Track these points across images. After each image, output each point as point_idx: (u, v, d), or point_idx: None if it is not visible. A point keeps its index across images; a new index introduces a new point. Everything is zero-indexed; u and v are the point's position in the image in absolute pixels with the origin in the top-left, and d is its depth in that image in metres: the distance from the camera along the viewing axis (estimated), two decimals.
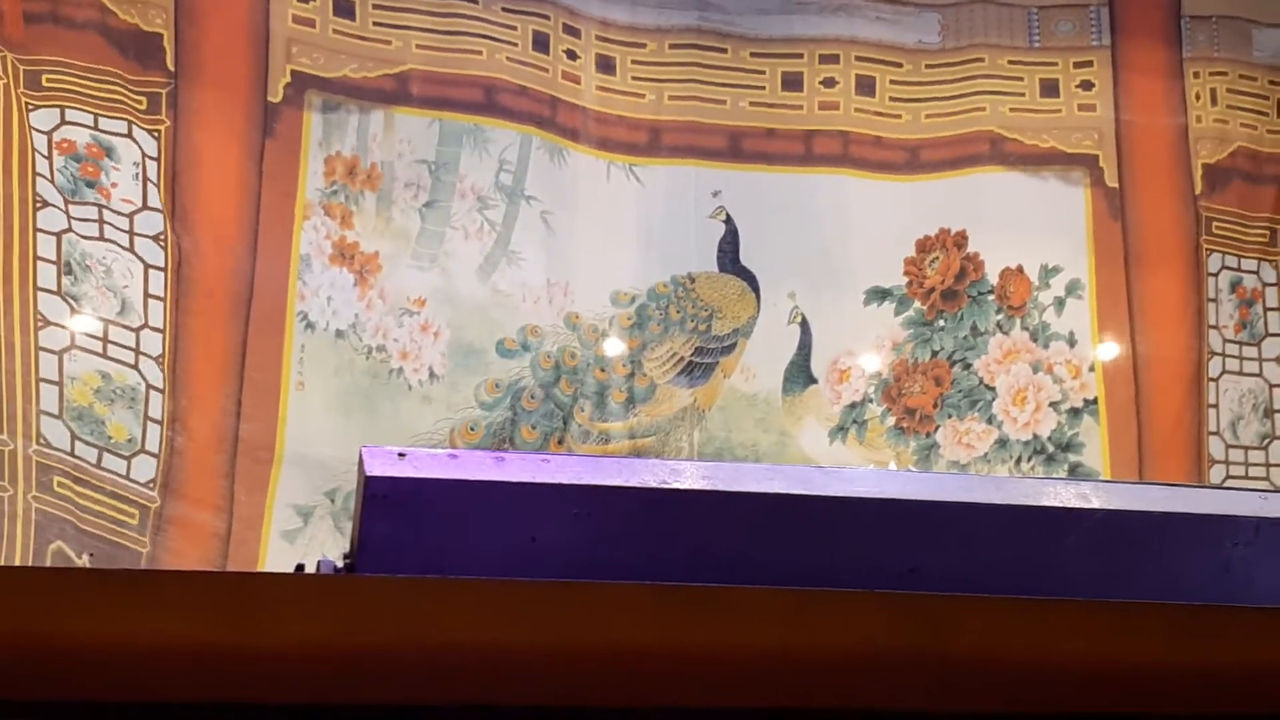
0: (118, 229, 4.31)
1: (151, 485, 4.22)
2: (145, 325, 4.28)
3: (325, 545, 4.32)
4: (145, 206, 4.35)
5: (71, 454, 4.14)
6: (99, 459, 4.17)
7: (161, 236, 4.35)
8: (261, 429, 4.39)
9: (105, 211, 4.30)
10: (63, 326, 4.19)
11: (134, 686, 1.40)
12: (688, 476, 1.73)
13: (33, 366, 4.12)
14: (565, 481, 1.67)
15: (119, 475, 4.18)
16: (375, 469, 1.60)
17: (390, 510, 1.60)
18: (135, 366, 4.24)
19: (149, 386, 4.25)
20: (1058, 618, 1.62)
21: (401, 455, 1.61)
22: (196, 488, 4.29)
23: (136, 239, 4.32)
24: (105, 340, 4.23)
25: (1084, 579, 1.73)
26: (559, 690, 1.48)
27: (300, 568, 1.67)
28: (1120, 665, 1.59)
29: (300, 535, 4.42)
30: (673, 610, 1.56)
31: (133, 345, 4.25)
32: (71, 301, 4.22)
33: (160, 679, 1.41)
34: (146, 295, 4.30)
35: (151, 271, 4.32)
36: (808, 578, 1.64)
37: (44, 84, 4.31)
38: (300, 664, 1.42)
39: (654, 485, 1.70)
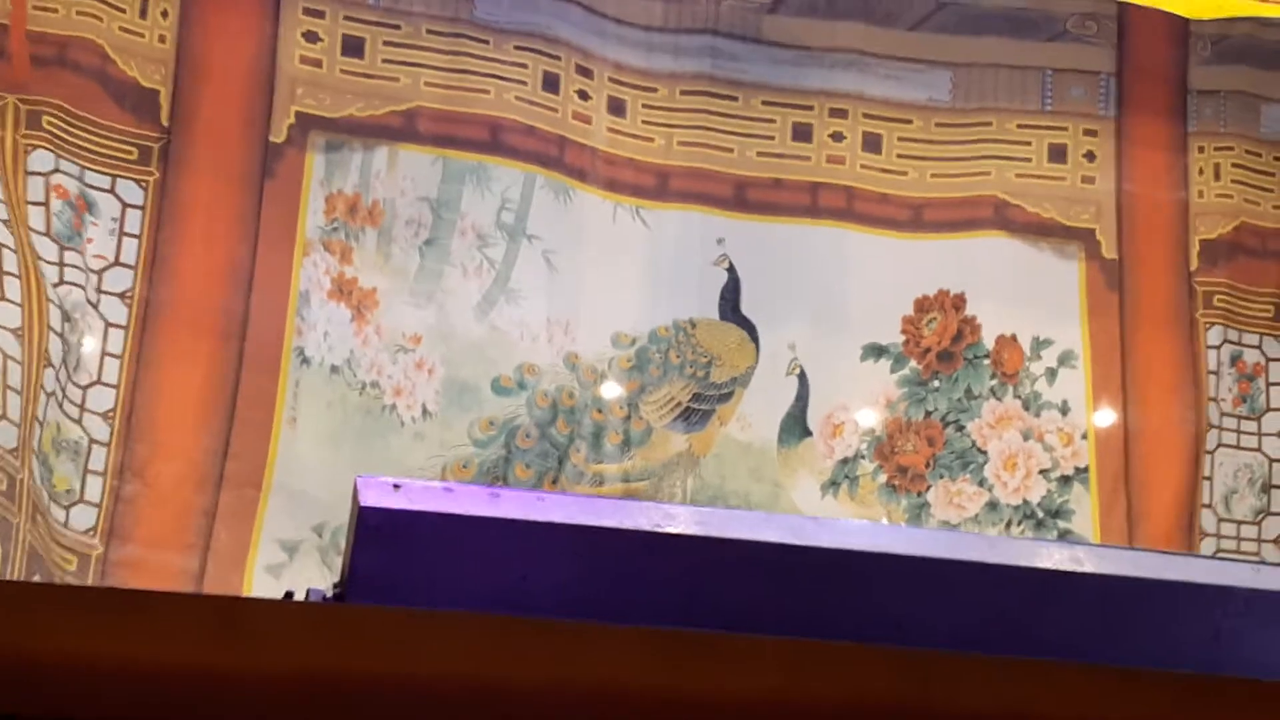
0: (87, 287, 4.35)
1: (91, 534, 4.25)
2: (97, 382, 4.32)
3: (311, 580, 4.28)
4: (117, 262, 4.40)
5: (39, 495, 4.18)
6: (47, 505, 4.21)
7: (128, 294, 4.38)
8: (249, 465, 4.39)
9: (76, 272, 4.35)
10: (54, 368, 4.24)
11: (117, 706, 1.40)
12: (681, 521, 1.72)
13: (34, 402, 4.17)
14: (559, 520, 1.66)
15: (59, 523, 4.22)
16: (369, 499, 1.59)
17: (382, 541, 1.59)
18: (79, 422, 4.28)
19: (92, 441, 4.28)
20: (1046, 679, 1.62)
21: (396, 487, 1.61)
22: (157, 531, 4.31)
23: (103, 296, 4.36)
24: (63, 395, 4.27)
25: (1074, 642, 1.73)
26: None
27: (289, 595, 1.67)
28: None
29: (285, 570, 4.42)
30: (661, 654, 1.55)
31: (79, 402, 4.29)
32: (65, 351, 4.26)
33: (145, 700, 1.41)
34: (104, 353, 4.33)
35: (111, 330, 4.35)
36: (798, 628, 1.64)
37: (44, 125, 4.35)
38: (285, 691, 1.41)
39: (647, 528, 1.70)
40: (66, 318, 4.28)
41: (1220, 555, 4.91)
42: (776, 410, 4.91)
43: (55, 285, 4.30)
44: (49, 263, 4.30)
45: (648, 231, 4.89)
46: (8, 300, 4.16)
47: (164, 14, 4.56)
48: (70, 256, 4.33)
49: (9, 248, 4.20)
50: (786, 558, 1.71)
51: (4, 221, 4.23)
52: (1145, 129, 5.14)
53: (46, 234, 4.31)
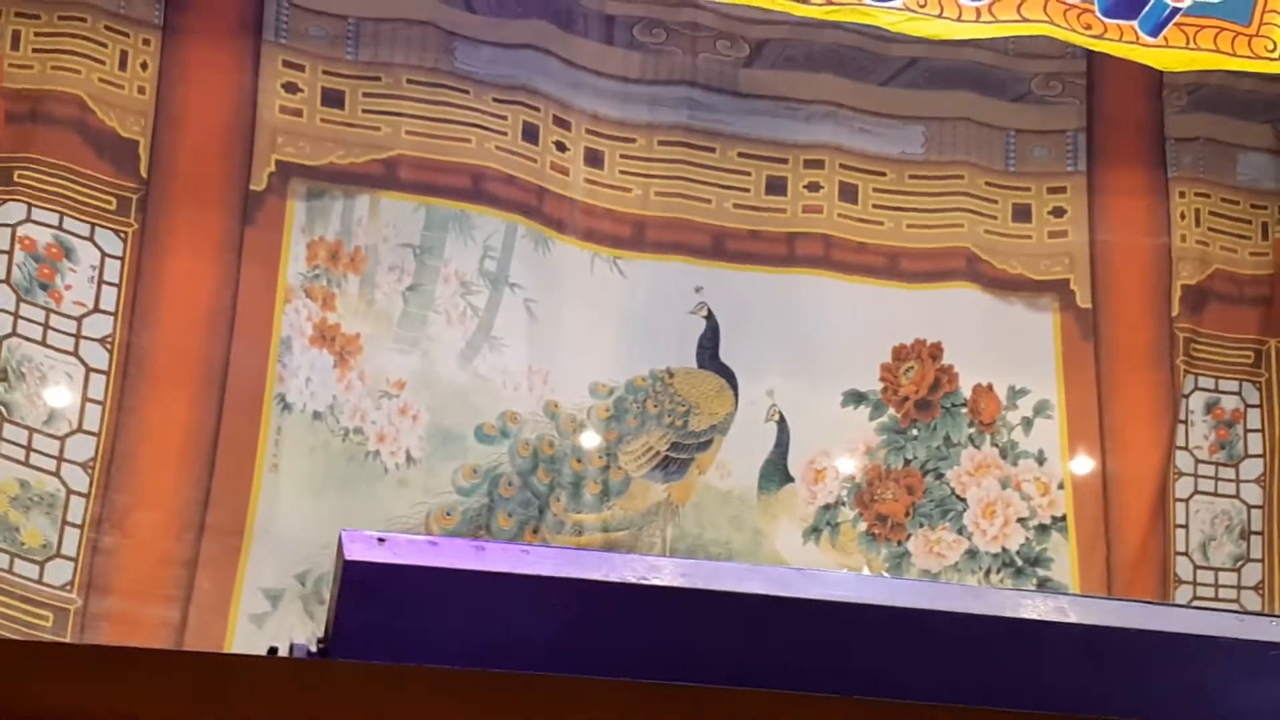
0: (63, 333, 4.35)
1: (69, 588, 4.22)
2: (78, 430, 4.31)
3: (294, 629, 4.28)
4: (97, 309, 4.39)
5: None
6: (10, 565, 4.18)
7: (109, 340, 4.38)
8: (230, 513, 4.37)
9: (53, 316, 4.34)
10: None
11: None
12: (666, 573, 1.72)
13: None
14: (545, 574, 1.66)
15: (30, 580, 4.19)
16: (354, 553, 1.59)
17: (367, 596, 1.59)
18: (56, 474, 4.26)
19: (70, 492, 4.27)
20: None
21: (381, 540, 1.60)
22: (138, 582, 4.28)
23: (82, 342, 4.36)
24: (29, 448, 4.26)
25: (1059, 692, 1.73)
26: None
27: (274, 651, 1.66)
28: None
29: (269, 619, 4.39)
30: (647, 708, 1.55)
31: (55, 453, 4.27)
32: (3, 409, 4.24)
33: None
34: (85, 399, 4.32)
35: (93, 375, 4.34)
36: (783, 679, 1.63)
37: (15, 179, 4.35)
38: None
39: (632, 581, 1.69)
40: (4, 376, 4.26)
41: (1198, 602, 4.92)
42: (756, 457, 4.91)
43: (4, 337, 4.28)
44: (4, 311, 4.29)
45: (625, 281, 4.90)
46: None
47: (143, 65, 4.57)
48: (28, 310, 4.32)
49: None
50: (772, 609, 1.71)
51: None
52: (1121, 178, 5.17)
53: (5, 282, 4.30)
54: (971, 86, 5.15)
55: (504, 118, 4.82)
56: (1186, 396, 5.08)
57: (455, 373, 4.71)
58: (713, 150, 5.02)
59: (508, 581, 1.63)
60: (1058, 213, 5.15)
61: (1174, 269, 5.13)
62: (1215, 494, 5.06)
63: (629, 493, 4.82)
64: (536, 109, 4.87)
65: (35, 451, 4.29)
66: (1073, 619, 1.75)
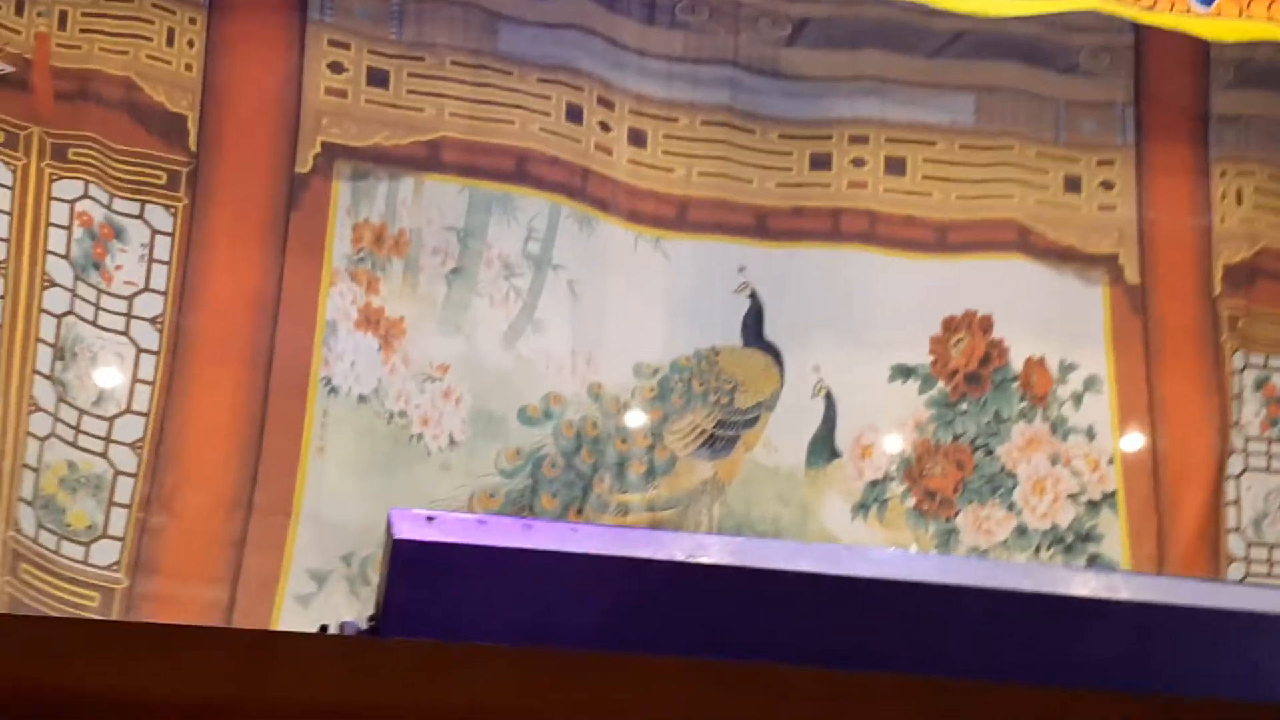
0: (114, 313, 4.37)
1: (115, 568, 4.25)
2: (126, 411, 4.33)
3: (340, 609, 4.30)
4: (147, 288, 4.41)
5: (35, 541, 4.18)
6: (58, 546, 4.21)
7: (159, 319, 4.40)
8: (278, 495, 4.40)
9: (104, 297, 4.36)
10: (49, 413, 4.24)
11: None
12: (714, 551, 1.72)
13: (20, 451, 4.17)
14: (592, 551, 1.66)
15: (76, 561, 4.21)
16: (403, 532, 1.59)
17: (416, 574, 1.59)
18: (104, 455, 4.29)
19: (117, 472, 4.29)
20: (1082, 707, 1.61)
21: (430, 519, 1.61)
22: (185, 562, 4.31)
23: (133, 322, 4.38)
24: (77, 430, 4.28)
25: (1110, 670, 1.71)
26: None
27: (324, 629, 1.66)
28: None
29: (315, 599, 4.41)
30: (695, 685, 1.55)
31: (103, 434, 4.29)
32: (60, 388, 4.27)
33: None
34: (135, 380, 4.34)
35: (144, 355, 4.37)
36: (832, 658, 1.63)
37: (70, 157, 4.38)
38: None
39: (680, 559, 1.69)
40: (61, 355, 4.29)
41: (1251, 579, 4.88)
42: (803, 433, 4.89)
43: (63, 315, 4.30)
44: (63, 288, 4.31)
45: (668, 262, 4.89)
46: None
47: (190, 43, 4.59)
48: (82, 289, 4.34)
49: None
50: (820, 587, 1.70)
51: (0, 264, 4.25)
52: (1165, 156, 5.13)
53: (65, 257, 4.33)
54: (1020, 58, 5.11)
55: (548, 98, 4.82)
56: (1237, 374, 5.04)
57: (498, 355, 4.72)
58: (753, 131, 5.01)
59: (555, 559, 1.64)
60: (1107, 185, 5.11)
61: (1215, 248, 5.09)
62: (1267, 470, 5.03)
63: (675, 472, 4.82)
64: (580, 89, 4.86)
65: (83, 433, 4.32)
66: (1125, 596, 1.74)
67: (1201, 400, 5.00)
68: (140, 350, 4.39)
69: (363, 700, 1.42)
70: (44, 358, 4.27)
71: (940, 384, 4.96)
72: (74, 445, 4.29)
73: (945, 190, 5.06)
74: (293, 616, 4.33)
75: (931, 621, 1.70)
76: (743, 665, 1.57)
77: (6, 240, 4.29)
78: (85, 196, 4.39)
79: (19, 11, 4.41)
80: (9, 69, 4.35)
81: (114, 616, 4.22)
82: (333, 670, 1.43)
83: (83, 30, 4.48)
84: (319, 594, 4.42)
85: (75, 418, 4.31)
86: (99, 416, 4.33)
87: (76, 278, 4.35)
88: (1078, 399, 4.99)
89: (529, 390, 4.73)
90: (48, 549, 4.23)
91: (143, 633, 1.55)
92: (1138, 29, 4.88)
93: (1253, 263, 5.10)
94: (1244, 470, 5.02)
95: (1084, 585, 1.73)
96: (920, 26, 5.03)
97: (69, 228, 4.36)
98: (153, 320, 4.42)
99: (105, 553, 4.29)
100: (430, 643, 1.48)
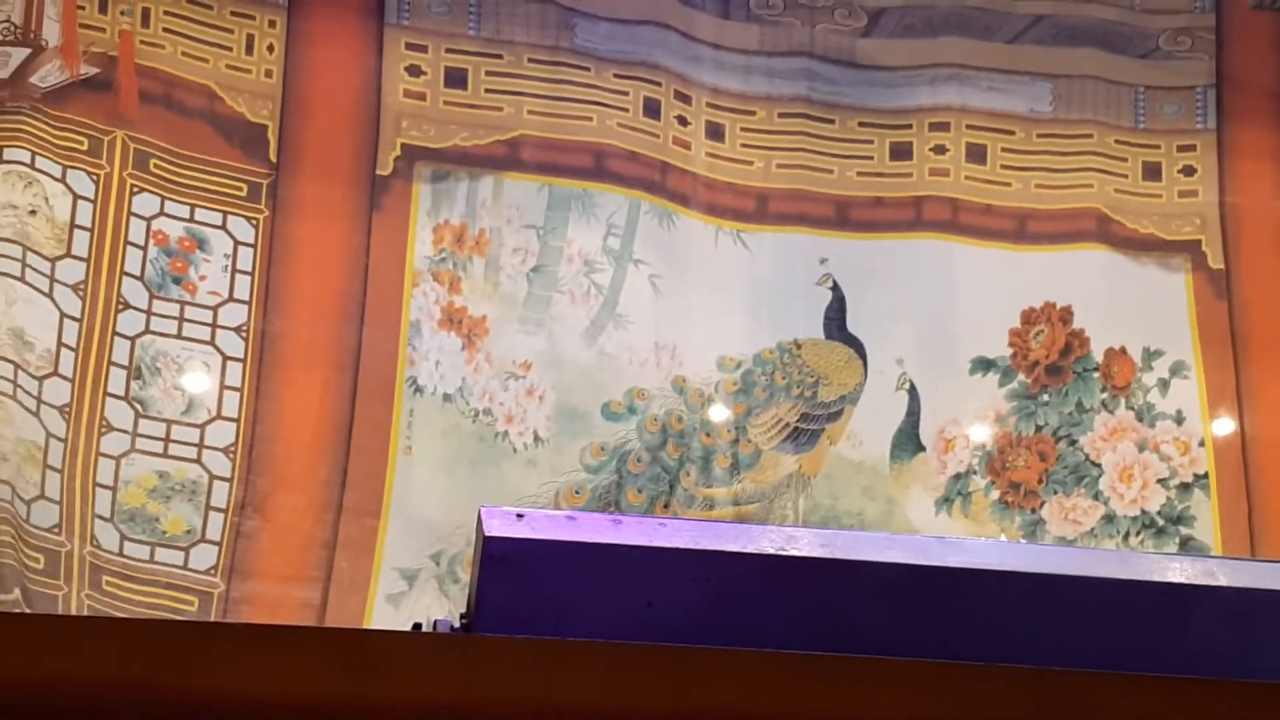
0: (199, 324, 4.42)
1: (213, 572, 4.29)
2: (217, 417, 4.37)
3: (431, 608, 4.33)
4: (231, 298, 4.46)
5: (120, 554, 4.24)
6: (151, 554, 4.26)
7: (244, 328, 4.44)
8: (368, 495, 4.43)
9: (187, 308, 4.41)
10: (124, 431, 4.30)
11: None
12: (804, 544, 1.71)
13: (92, 471, 4.22)
14: (682, 546, 1.66)
15: (175, 567, 4.27)
16: (494, 529, 1.60)
17: (507, 571, 1.60)
18: (198, 460, 4.33)
19: (213, 477, 4.34)
20: (1181, 695, 1.59)
21: (520, 516, 1.62)
22: (279, 564, 4.35)
23: (219, 331, 4.42)
24: (167, 440, 4.33)
25: (1210, 657, 1.70)
26: None
27: (418, 627, 1.68)
28: None
29: (405, 599, 4.44)
30: (787, 678, 1.54)
31: (196, 441, 4.34)
32: (137, 406, 4.32)
33: None
34: (223, 387, 4.39)
35: (230, 363, 4.41)
36: (925, 649, 1.62)
37: (151, 168, 4.43)
38: None
39: (771, 552, 1.69)
40: (139, 374, 4.34)
41: None
42: (887, 427, 4.87)
43: (138, 336, 4.36)
44: (137, 310, 4.37)
45: (749, 254, 4.89)
46: (59, 376, 4.23)
47: (269, 49, 4.63)
48: (161, 306, 4.40)
49: (73, 317, 4.27)
50: (912, 578, 1.69)
51: (77, 286, 4.31)
52: (1248, 138, 5.07)
53: (139, 279, 4.39)
54: (1098, 44, 5.06)
55: (625, 94, 4.83)
56: None
57: (581, 352, 4.73)
58: (832, 121, 4.99)
59: (645, 554, 1.64)
60: (1188, 171, 5.05)
61: None
62: None
63: (759, 465, 4.81)
64: (658, 84, 4.87)
65: (174, 442, 4.37)
66: (1223, 582, 1.72)
67: None
68: (227, 358, 4.44)
69: (457, 697, 1.42)
70: (116, 379, 4.32)
71: (1020, 376, 4.92)
72: (164, 456, 4.34)
73: (1024, 180, 5.02)
74: (384, 616, 4.37)
75: (1025, 611, 1.69)
76: (835, 658, 1.57)
77: (86, 260, 4.34)
78: (162, 214, 4.44)
79: (102, 9, 4.47)
80: (94, 70, 4.41)
81: (212, 620, 4.27)
82: (427, 668, 1.44)
83: (165, 29, 4.53)
84: (409, 593, 4.45)
85: (163, 429, 4.36)
86: (190, 424, 4.38)
87: (152, 297, 4.40)
88: (1164, 385, 4.93)
89: (612, 385, 4.74)
90: (138, 559, 4.28)
91: (241, 633, 1.57)
92: (1219, 10, 4.82)
93: None
94: None
95: (1180, 572, 1.71)
96: (999, 10, 5.00)
97: (144, 248, 4.41)
98: (237, 329, 4.47)
99: (203, 557, 4.34)
100: (523, 640, 1.49)
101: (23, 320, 4.23)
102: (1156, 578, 1.70)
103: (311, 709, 1.42)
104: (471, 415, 4.61)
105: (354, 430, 4.47)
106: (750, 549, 1.67)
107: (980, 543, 1.83)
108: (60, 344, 4.28)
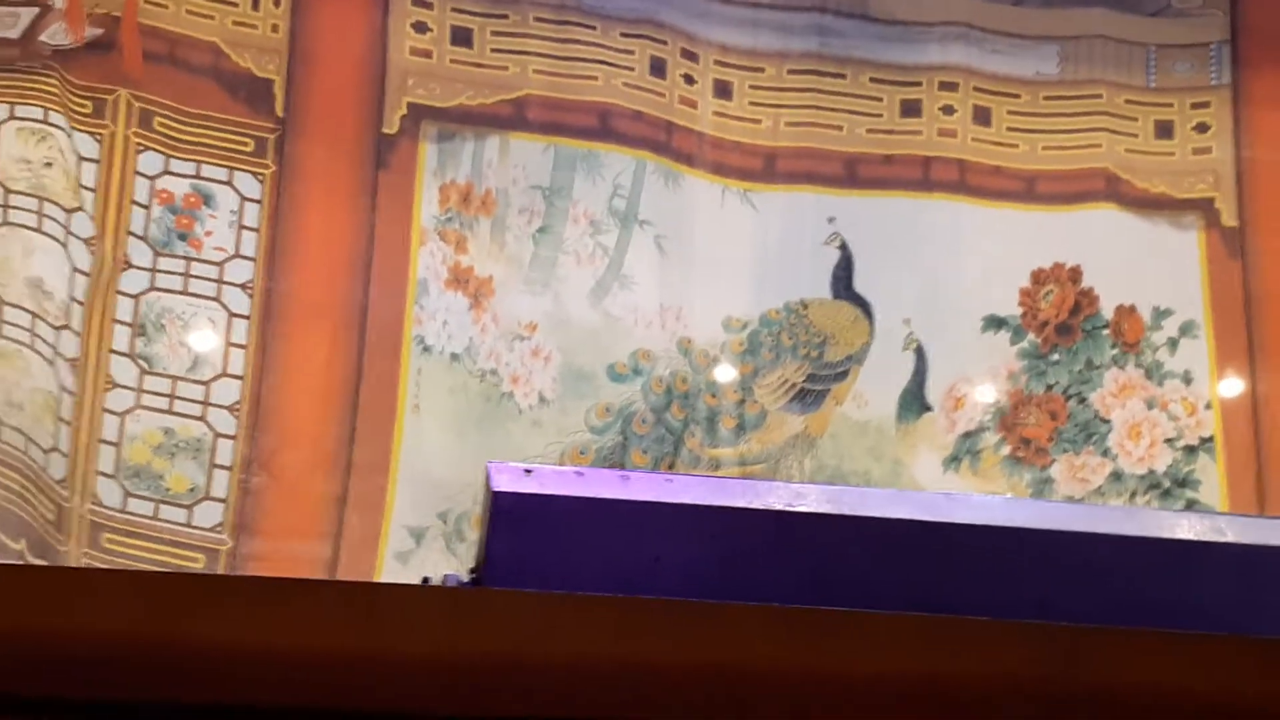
0: (205, 279, 4.41)
1: (220, 529, 4.30)
2: (222, 374, 4.38)
3: (438, 566, 4.34)
4: (237, 254, 4.46)
5: (123, 510, 4.24)
6: (155, 511, 4.26)
7: (250, 285, 4.44)
8: (376, 452, 4.44)
9: (193, 264, 4.41)
10: (129, 388, 4.30)
11: (260, 692, 1.42)
12: (812, 499, 1.72)
13: (96, 427, 4.23)
14: (690, 501, 1.66)
15: (179, 524, 4.27)
16: (502, 485, 1.60)
17: (516, 525, 1.60)
18: (202, 418, 4.34)
19: (217, 435, 4.34)
20: (1189, 651, 1.59)
21: (528, 471, 1.62)
22: (287, 521, 4.36)
23: (224, 288, 4.42)
24: (172, 396, 4.33)
25: (1217, 613, 1.70)
26: (681, 708, 1.48)
27: (426, 580, 1.68)
28: (1255, 699, 1.55)
29: (413, 556, 4.46)
30: (795, 633, 1.55)
31: (201, 398, 4.34)
32: (142, 363, 4.32)
33: (285, 686, 1.43)
34: (228, 344, 4.39)
35: (235, 320, 4.41)
36: (933, 605, 1.62)
37: (155, 126, 4.42)
38: (426, 675, 1.43)
39: (778, 508, 1.69)
40: (143, 330, 4.34)
41: None
42: (894, 387, 4.87)
43: (143, 293, 4.36)
44: (141, 269, 4.37)
45: (757, 214, 4.88)
46: (70, 330, 4.23)
47: (275, 3, 4.62)
48: (166, 263, 4.40)
49: (84, 272, 4.27)
50: (920, 534, 1.69)
51: (88, 240, 4.31)
52: (1266, 89, 5.04)
53: (143, 238, 4.38)
54: (1106, 3, 5.04)
55: (631, 52, 4.81)
56: None
57: (586, 313, 4.73)
58: (843, 76, 4.97)
59: (653, 510, 1.64)
60: (1201, 128, 5.03)
61: None
62: None
63: (765, 426, 4.81)
64: (664, 42, 4.85)
65: (179, 399, 4.38)
66: (1230, 538, 1.72)
67: None
68: (232, 315, 4.45)
69: (465, 649, 1.43)
70: (120, 336, 4.33)
71: (1031, 335, 4.92)
72: (169, 413, 4.35)
73: (1031, 142, 5.01)
74: (393, 573, 4.38)
75: (1032, 567, 1.69)
76: (841, 613, 1.57)
77: (94, 217, 4.34)
78: (166, 172, 4.44)
79: None
80: (98, 31, 4.40)
81: (244, 574, 4.28)
82: (436, 621, 1.45)
83: None
84: (417, 551, 4.46)
85: (169, 386, 4.36)
86: (195, 381, 4.39)
87: (156, 254, 4.40)
88: (1173, 344, 4.93)
89: (617, 347, 4.74)
90: (142, 515, 4.29)
91: (249, 585, 1.57)
92: None
93: None
94: None
95: (1188, 528, 1.71)
96: None
97: (148, 207, 4.41)
98: (243, 286, 4.47)
99: (209, 514, 4.35)
100: (531, 593, 1.49)
101: (40, 270, 4.24)
102: (1164, 534, 1.70)
103: (320, 662, 1.42)
104: (479, 375, 4.61)
105: (361, 388, 4.48)
106: (757, 505, 1.67)
107: (987, 499, 1.83)
108: (71, 297, 4.29)
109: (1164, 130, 5.04)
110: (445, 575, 1.64)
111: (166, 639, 1.39)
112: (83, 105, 4.37)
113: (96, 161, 4.38)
